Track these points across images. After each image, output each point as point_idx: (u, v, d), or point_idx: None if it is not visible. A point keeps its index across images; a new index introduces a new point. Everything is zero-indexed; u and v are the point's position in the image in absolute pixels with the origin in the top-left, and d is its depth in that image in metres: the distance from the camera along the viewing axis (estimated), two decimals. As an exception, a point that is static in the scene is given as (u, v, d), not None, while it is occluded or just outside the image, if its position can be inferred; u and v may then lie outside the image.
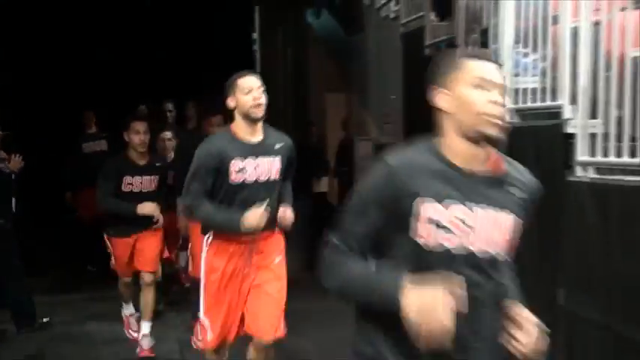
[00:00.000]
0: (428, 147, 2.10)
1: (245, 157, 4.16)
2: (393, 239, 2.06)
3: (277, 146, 4.29)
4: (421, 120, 5.83)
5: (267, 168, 4.22)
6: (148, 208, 5.56)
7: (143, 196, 5.66)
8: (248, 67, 12.16)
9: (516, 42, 4.71)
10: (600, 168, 3.93)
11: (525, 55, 4.67)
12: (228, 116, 4.43)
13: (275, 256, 4.37)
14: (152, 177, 5.78)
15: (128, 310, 6.24)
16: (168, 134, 7.22)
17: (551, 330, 4.21)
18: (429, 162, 2.05)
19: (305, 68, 11.43)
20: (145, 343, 5.88)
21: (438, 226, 2.00)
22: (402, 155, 2.11)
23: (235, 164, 4.12)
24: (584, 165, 4.00)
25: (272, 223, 4.24)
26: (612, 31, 3.86)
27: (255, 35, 12.46)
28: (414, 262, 2.02)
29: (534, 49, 4.57)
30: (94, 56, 10.78)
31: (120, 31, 10.79)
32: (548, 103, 4.35)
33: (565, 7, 4.17)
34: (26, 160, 6.75)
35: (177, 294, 7.62)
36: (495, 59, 2.35)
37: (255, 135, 4.24)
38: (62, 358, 6.17)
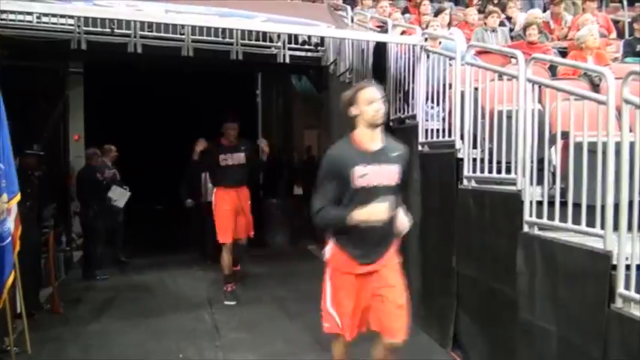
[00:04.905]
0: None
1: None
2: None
3: None
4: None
5: None
6: None
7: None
8: (253, 113, 12.25)
9: (426, 99, 4.77)
10: (478, 180, 4.01)
11: (432, 107, 4.72)
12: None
13: None
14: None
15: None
16: None
17: (447, 283, 4.33)
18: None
19: (290, 114, 11.47)
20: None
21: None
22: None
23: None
24: (469, 178, 4.08)
25: None
26: (485, 94, 3.97)
27: (258, 91, 12.50)
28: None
29: (438, 104, 4.63)
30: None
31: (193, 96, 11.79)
32: (447, 139, 4.41)
33: (456, 77, 4.26)
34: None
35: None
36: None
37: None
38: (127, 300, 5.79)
